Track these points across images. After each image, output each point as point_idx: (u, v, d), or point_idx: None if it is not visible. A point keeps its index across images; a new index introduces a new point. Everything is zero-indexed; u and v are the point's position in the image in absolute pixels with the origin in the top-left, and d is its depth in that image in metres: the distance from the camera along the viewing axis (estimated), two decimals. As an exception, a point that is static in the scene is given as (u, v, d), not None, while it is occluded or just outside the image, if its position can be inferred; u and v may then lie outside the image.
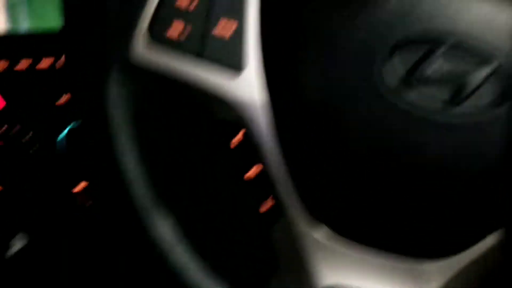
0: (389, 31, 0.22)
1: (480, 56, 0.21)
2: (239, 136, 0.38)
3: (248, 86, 0.24)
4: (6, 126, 0.55)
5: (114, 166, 0.28)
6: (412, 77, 0.21)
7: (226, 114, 0.25)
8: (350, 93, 0.23)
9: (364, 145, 0.23)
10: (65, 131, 0.54)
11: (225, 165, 0.44)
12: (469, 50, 0.21)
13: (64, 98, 0.54)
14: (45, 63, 0.54)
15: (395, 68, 0.22)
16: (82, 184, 0.46)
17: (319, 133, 0.24)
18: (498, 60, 0.20)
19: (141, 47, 0.26)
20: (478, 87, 0.21)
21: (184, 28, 0.25)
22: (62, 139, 0.54)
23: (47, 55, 0.54)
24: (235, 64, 0.24)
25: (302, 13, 0.24)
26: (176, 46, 0.25)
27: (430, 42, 0.21)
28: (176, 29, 0.25)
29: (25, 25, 0.55)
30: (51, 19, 0.55)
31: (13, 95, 0.55)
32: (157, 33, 0.25)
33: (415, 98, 0.21)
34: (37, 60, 0.54)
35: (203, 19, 0.24)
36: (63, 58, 0.53)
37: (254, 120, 0.24)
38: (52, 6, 0.55)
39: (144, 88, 0.28)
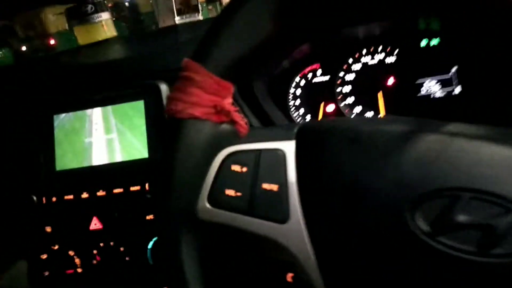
0: (413, 184, 0.25)
1: (500, 206, 0.23)
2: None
3: (292, 234, 0.29)
4: (102, 244, 0.63)
5: None
6: (442, 223, 0.24)
7: (277, 254, 0.30)
8: (383, 239, 0.26)
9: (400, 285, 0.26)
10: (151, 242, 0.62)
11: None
12: (489, 200, 0.23)
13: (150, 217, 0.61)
14: (134, 189, 0.62)
15: (424, 216, 0.24)
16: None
17: (357, 274, 0.27)
18: None
19: (205, 209, 0.32)
20: (507, 231, 0.22)
21: (236, 193, 0.31)
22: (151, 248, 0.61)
23: (136, 183, 0.62)
24: (280, 218, 0.29)
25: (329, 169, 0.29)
26: (231, 206, 0.31)
27: (452, 193, 0.24)
28: (230, 194, 0.31)
29: (119, 157, 0.63)
30: (140, 152, 0.63)
31: (108, 218, 0.63)
32: (215, 199, 0.31)
33: (448, 242, 0.23)
34: (127, 188, 0.62)
35: (251, 183, 0.30)
36: (147, 186, 0.61)
37: (301, 260, 0.29)
38: (141, 141, 0.63)
39: (208, 238, 0.33)
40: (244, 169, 0.31)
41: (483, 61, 0.58)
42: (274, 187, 0.30)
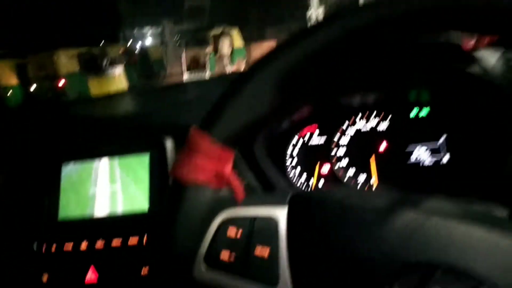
0: (392, 258, 0.28)
1: (470, 282, 0.25)
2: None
3: None
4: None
5: None
6: None
7: None
8: None
9: None
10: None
11: None
12: (460, 276, 0.26)
13: (145, 270, 0.62)
14: (132, 241, 0.63)
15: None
16: None
17: None
18: (488, 284, 0.25)
19: (201, 269, 0.34)
20: None
21: (230, 255, 0.33)
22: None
23: (135, 234, 0.64)
24: (270, 280, 0.32)
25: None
26: (226, 268, 0.33)
27: (428, 267, 0.26)
28: (225, 256, 0.33)
29: (120, 209, 0.66)
30: (141, 204, 0.65)
31: (104, 270, 0.64)
32: (211, 259, 0.34)
33: None
34: (126, 240, 0.63)
35: (244, 246, 0.33)
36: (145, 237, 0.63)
37: None
38: (143, 194, 0.66)
39: None
40: (240, 233, 0.34)
41: (470, 132, 0.62)
42: (266, 251, 0.32)
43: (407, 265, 0.27)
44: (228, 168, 0.35)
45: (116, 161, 0.69)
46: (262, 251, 0.32)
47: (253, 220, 0.34)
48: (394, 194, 0.34)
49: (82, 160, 0.70)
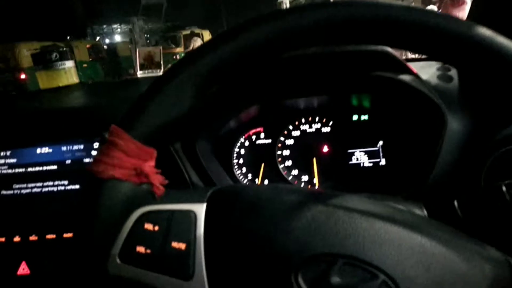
0: (298, 249, 0.29)
1: (368, 272, 0.27)
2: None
3: None
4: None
5: None
6: (320, 285, 0.28)
7: None
8: None
9: None
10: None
11: None
12: (359, 266, 0.28)
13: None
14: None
15: (305, 278, 0.28)
16: None
17: None
18: (384, 274, 0.27)
19: (116, 264, 0.34)
20: None
21: (146, 250, 0.33)
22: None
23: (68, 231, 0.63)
24: (184, 275, 0.32)
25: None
26: (141, 262, 0.33)
27: (329, 258, 0.28)
28: (140, 250, 0.33)
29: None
30: None
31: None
32: (126, 255, 0.34)
33: None
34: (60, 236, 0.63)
35: (161, 242, 0.33)
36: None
37: None
38: None
39: None
40: (156, 228, 0.34)
41: (404, 138, 0.66)
42: (182, 246, 0.32)
43: (311, 256, 0.29)
44: (148, 164, 0.35)
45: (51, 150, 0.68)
46: (178, 246, 0.33)
47: (171, 215, 0.34)
48: (306, 191, 0.36)
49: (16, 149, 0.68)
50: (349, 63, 0.60)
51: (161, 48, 3.11)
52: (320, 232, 0.29)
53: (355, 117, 0.71)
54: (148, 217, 0.34)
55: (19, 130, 0.70)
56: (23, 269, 0.62)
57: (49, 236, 0.62)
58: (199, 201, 0.35)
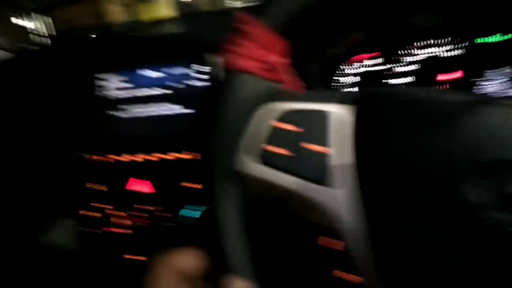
0: (464, 156, 0.23)
1: None
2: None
3: (331, 196, 0.28)
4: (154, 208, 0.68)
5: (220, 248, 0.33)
6: (495, 195, 0.22)
7: (316, 217, 0.29)
8: (433, 211, 0.24)
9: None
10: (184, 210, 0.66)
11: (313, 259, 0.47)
12: None
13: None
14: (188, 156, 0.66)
15: (477, 190, 0.22)
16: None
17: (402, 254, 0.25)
18: None
19: (245, 161, 0.32)
20: None
21: (278, 149, 0.31)
22: (182, 214, 0.65)
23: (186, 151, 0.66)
24: (319, 179, 0.29)
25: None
26: (271, 162, 0.31)
27: (504, 168, 0.22)
28: (272, 150, 0.31)
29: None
30: None
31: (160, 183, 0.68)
32: (256, 151, 0.32)
33: (505, 217, 0.22)
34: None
35: (296, 143, 0.30)
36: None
37: (340, 222, 0.28)
38: None
39: (251, 195, 0.33)
40: (290, 128, 0.31)
41: None
42: (319, 148, 0.29)
43: (488, 162, 0.22)
44: (278, 58, 0.33)
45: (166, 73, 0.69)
46: (314, 148, 0.29)
47: (306, 115, 0.31)
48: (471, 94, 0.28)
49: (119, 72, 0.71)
50: None
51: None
52: (497, 135, 0.22)
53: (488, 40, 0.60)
54: (281, 115, 0.32)
55: (134, 54, 0.72)
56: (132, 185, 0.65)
57: (168, 156, 0.65)
58: (337, 102, 0.31)
